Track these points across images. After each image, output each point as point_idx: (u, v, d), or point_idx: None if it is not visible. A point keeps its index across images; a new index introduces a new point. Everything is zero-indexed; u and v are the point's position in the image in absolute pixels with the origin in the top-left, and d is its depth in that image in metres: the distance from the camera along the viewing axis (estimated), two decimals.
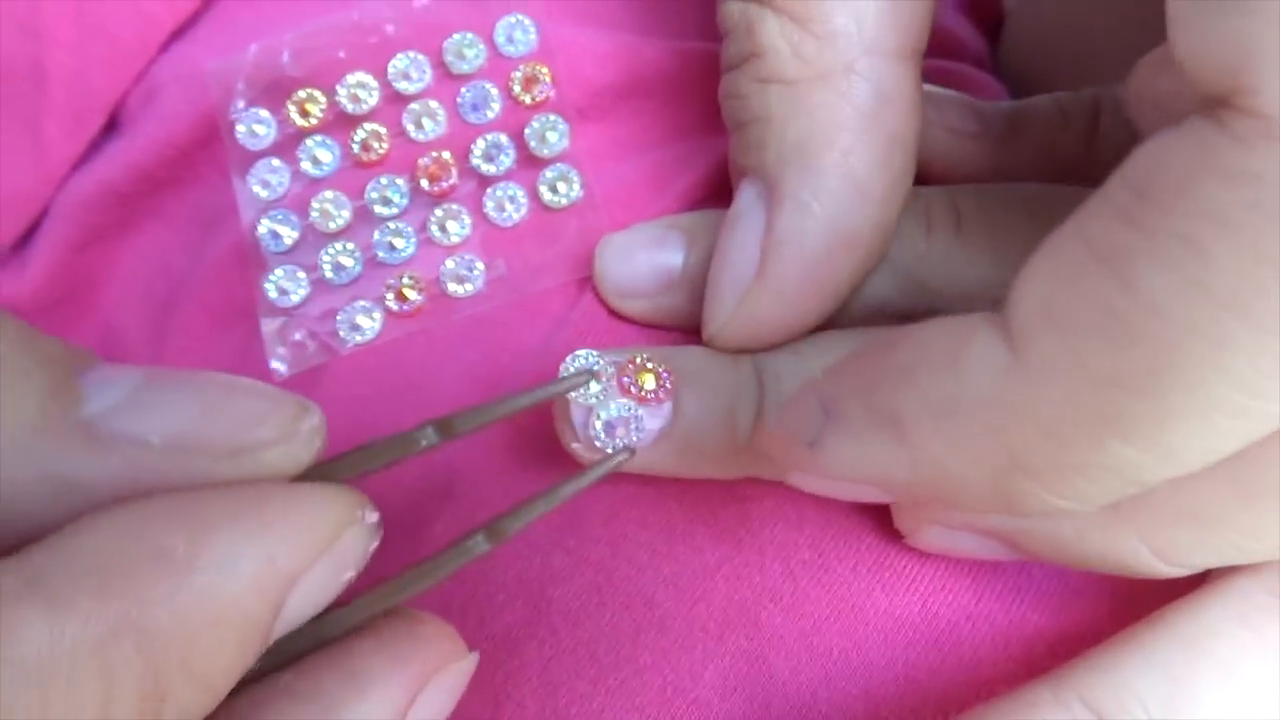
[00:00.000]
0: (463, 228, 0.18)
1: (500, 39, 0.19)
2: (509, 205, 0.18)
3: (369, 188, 0.19)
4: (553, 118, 0.18)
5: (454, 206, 0.18)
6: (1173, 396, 0.11)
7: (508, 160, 0.18)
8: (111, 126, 0.22)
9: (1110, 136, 0.18)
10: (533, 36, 0.19)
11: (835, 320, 0.17)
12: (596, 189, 0.18)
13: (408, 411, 0.17)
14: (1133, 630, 0.14)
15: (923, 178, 0.18)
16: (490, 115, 0.19)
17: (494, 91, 0.19)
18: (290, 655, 0.13)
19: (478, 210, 0.18)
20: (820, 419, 0.14)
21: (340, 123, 0.19)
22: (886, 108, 0.15)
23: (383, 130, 0.19)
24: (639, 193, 0.19)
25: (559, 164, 0.18)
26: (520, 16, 0.19)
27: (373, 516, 0.13)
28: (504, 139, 0.18)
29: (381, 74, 0.19)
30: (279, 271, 0.19)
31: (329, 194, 0.19)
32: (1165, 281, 0.11)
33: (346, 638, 0.13)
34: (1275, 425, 0.11)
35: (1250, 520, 0.13)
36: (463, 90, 0.19)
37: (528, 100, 0.19)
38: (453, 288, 0.18)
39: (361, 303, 0.18)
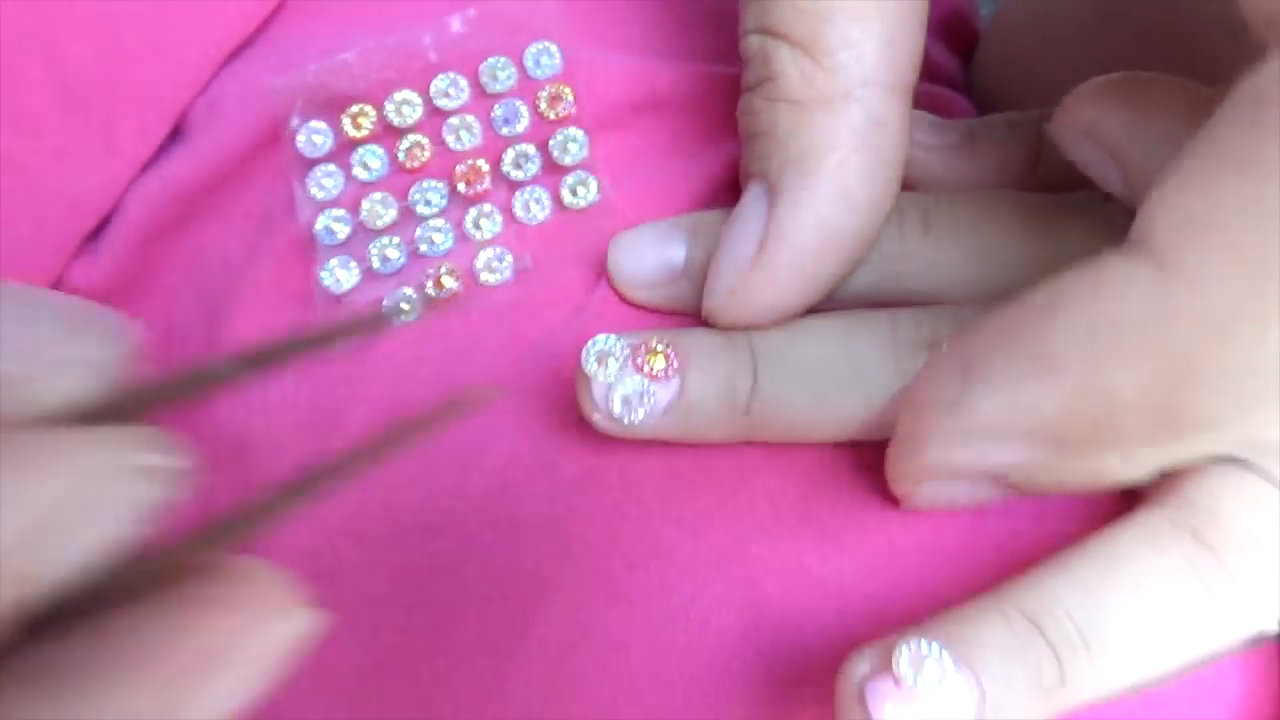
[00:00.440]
0: (494, 225, 0.21)
1: (529, 63, 0.22)
2: (534, 206, 0.21)
3: (412, 190, 0.22)
4: (574, 130, 0.21)
5: (486, 207, 0.21)
6: None
7: (534, 168, 0.21)
8: (176, 134, 0.25)
9: (1051, 154, 0.21)
10: (558, 60, 0.22)
11: (821, 308, 0.19)
12: (612, 192, 0.21)
13: (444, 381, 0.20)
14: (1061, 554, 0.17)
15: None
16: (519, 129, 0.22)
17: (523, 108, 0.22)
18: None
19: (507, 211, 0.21)
20: (959, 380, 0.15)
21: (388, 134, 0.22)
22: (877, 131, 0.18)
23: (425, 141, 0.22)
24: (652, 194, 0.22)
25: (579, 171, 0.21)
26: (547, 43, 0.22)
27: (157, 457, 0.11)
28: (531, 149, 0.21)
29: (425, 92, 0.22)
30: (333, 262, 0.22)
31: (377, 195, 0.22)
32: None
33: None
34: None
35: None
36: (495, 107, 0.22)
37: (552, 116, 0.21)
38: (485, 277, 0.21)
39: (405, 290, 0.21)
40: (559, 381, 0.19)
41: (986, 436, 0.15)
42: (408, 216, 0.22)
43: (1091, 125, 0.18)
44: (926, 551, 0.19)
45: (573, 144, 0.21)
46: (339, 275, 0.22)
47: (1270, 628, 0.17)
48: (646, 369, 0.18)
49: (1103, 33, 0.27)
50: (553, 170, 0.21)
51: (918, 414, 0.16)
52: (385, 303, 0.21)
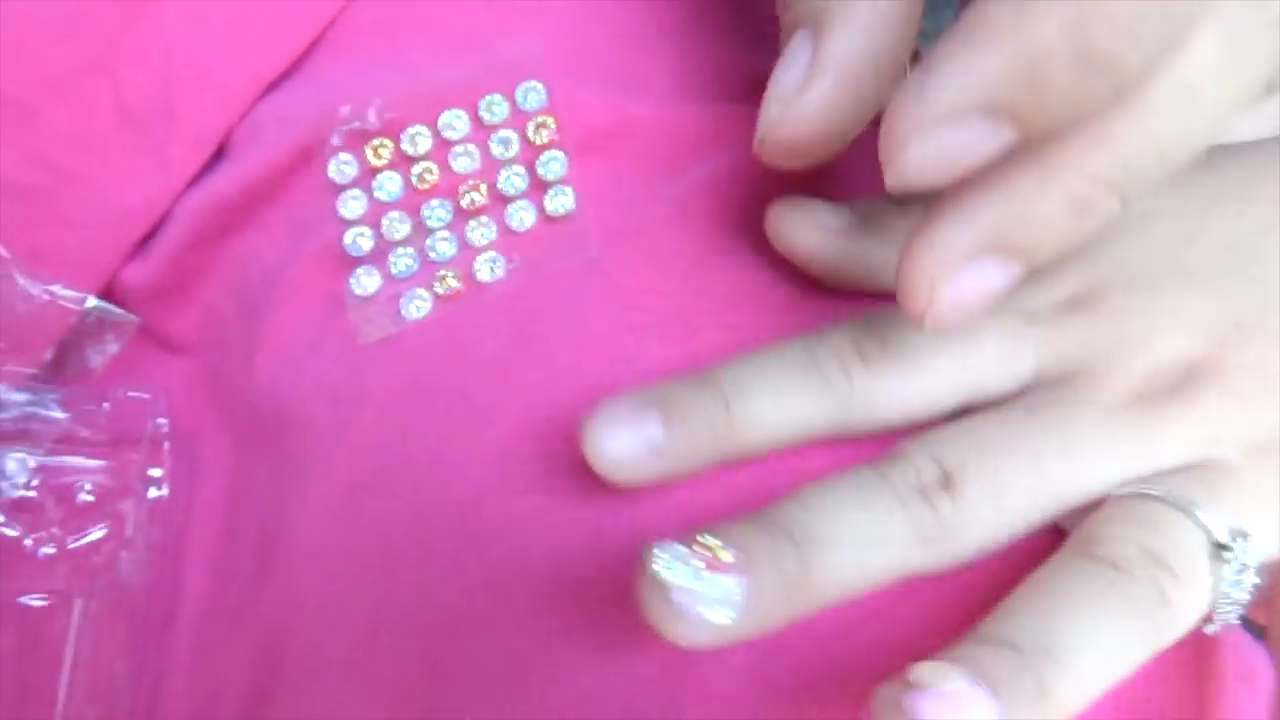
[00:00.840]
0: (490, 234, 0.25)
1: (519, 99, 0.26)
2: (524, 216, 0.25)
3: (423, 208, 0.26)
4: (556, 152, 0.25)
5: (484, 219, 0.25)
6: None
7: (523, 185, 0.25)
8: (220, 154, 0.29)
9: None
10: (543, 96, 0.26)
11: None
12: (587, 204, 0.25)
13: (453, 366, 0.24)
14: (1017, 592, 0.20)
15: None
16: (511, 154, 0.26)
17: (514, 137, 0.26)
18: None
19: (501, 221, 0.25)
20: (922, 74, 0.17)
21: (403, 161, 0.27)
22: None
23: (434, 166, 0.26)
24: (624, 207, 0.26)
25: (560, 185, 0.25)
26: (535, 82, 0.26)
27: None
28: (520, 170, 0.25)
29: (433, 125, 0.26)
30: (360, 270, 0.26)
31: (395, 213, 0.26)
32: None
33: None
34: None
35: None
36: (492, 136, 0.26)
37: (538, 142, 0.26)
38: (482, 276, 0.25)
39: (419, 290, 0.25)
40: (552, 370, 0.23)
41: (950, 118, 0.17)
42: (420, 230, 0.26)
43: None
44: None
45: (555, 164, 0.25)
46: (364, 281, 0.26)
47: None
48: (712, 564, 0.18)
49: None
50: (538, 186, 0.25)
51: (893, 114, 0.17)
52: (401, 301, 0.26)
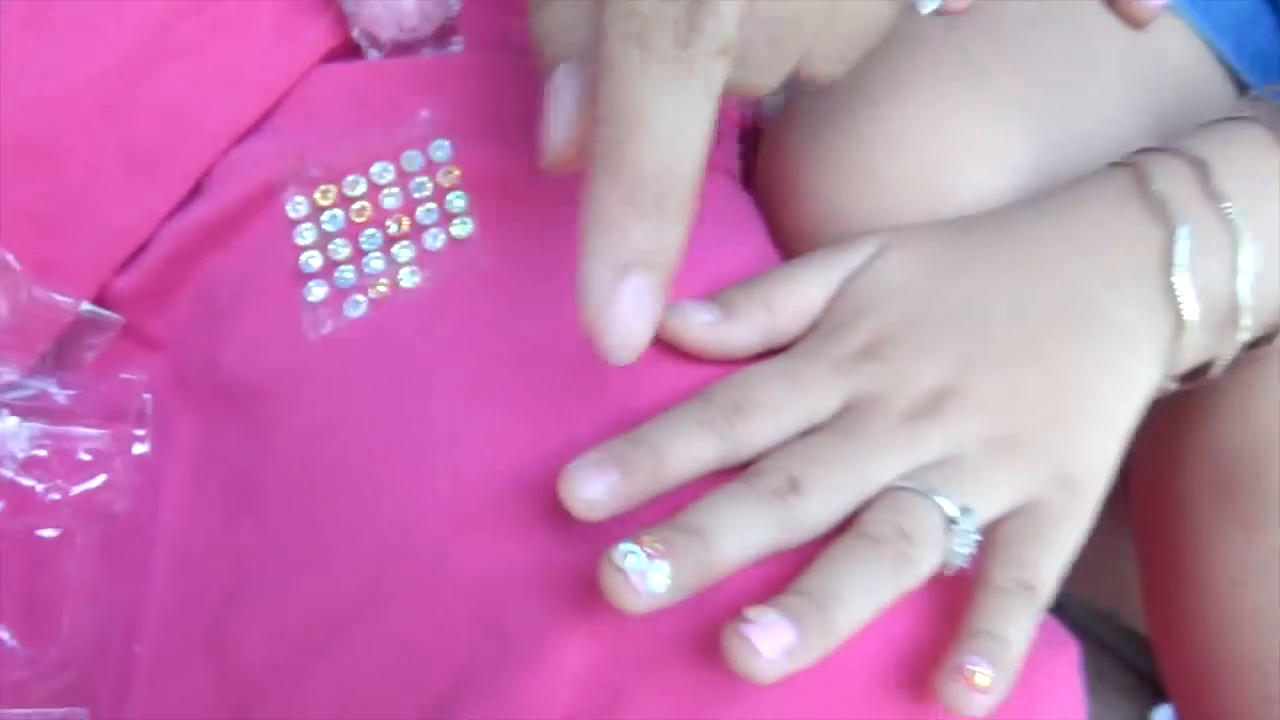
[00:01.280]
0: (410, 253, 0.34)
1: (431, 153, 0.35)
2: (436, 239, 0.34)
3: (360, 236, 0.35)
4: (460, 192, 0.34)
5: (405, 242, 0.34)
6: None
7: (435, 216, 0.34)
8: (197, 190, 0.37)
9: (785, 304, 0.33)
10: (449, 151, 0.35)
11: None
12: (482, 230, 0.34)
13: (381, 348, 0.33)
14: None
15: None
16: (426, 194, 0.35)
17: (428, 181, 0.35)
18: None
19: (419, 243, 0.34)
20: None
21: (343, 201, 0.35)
22: None
23: (367, 205, 0.35)
24: (519, 226, 0.34)
25: (463, 216, 0.34)
26: (444, 140, 0.35)
27: None
28: (433, 205, 0.34)
29: (366, 173, 0.35)
30: (311, 283, 0.34)
31: (338, 240, 0.35)
32: None
33: None
34: None
35: None
36: (411, 181, 0.35)
37: (446, 185, 0.35)
38: (405, 284, 0.34)
39: (357, 295, 0.34)
40: (454, 348, 0.32)
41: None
42: (357, 252, 0.35)
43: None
44: None
45: (459, 200, 0.34)
46: (315, 291, 0.34)
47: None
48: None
49: None
50: (446, 217, 0.35)
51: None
52: (344, 304, 0.34)
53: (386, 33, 0.38)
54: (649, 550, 0.26)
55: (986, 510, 0.30)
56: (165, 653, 0.32)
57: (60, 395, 0.35)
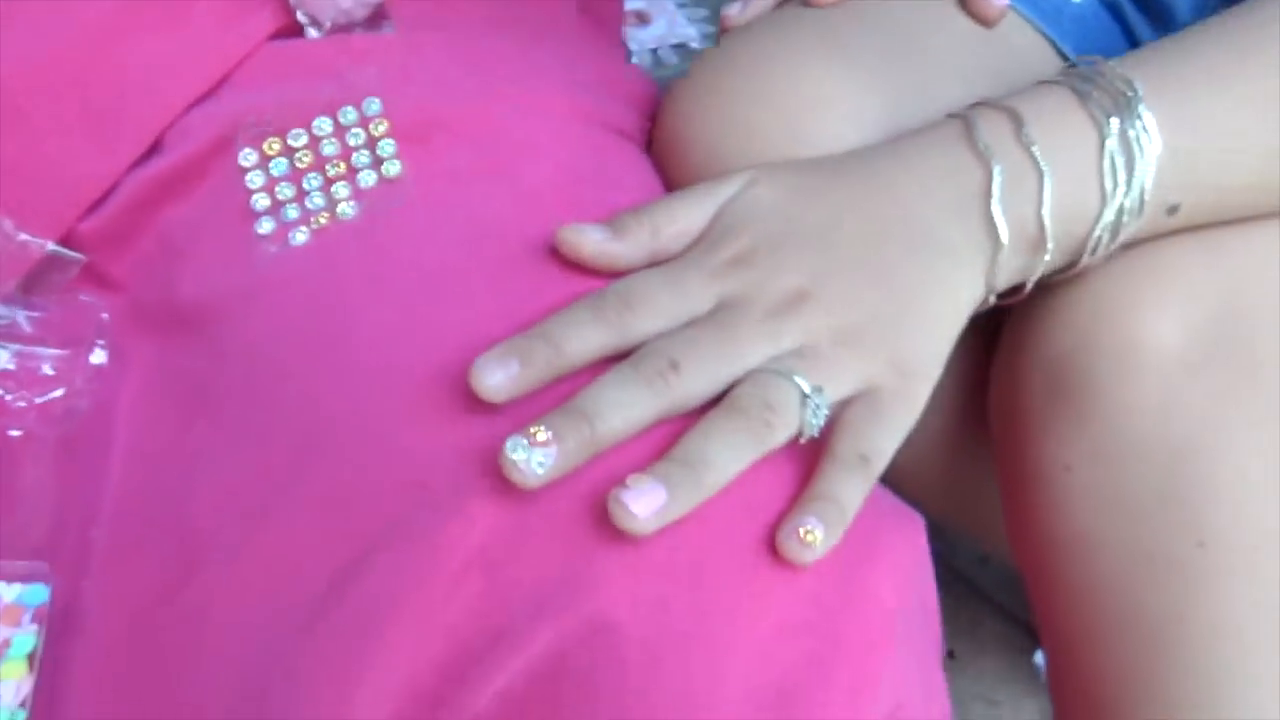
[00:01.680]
0: (346, 190, 0.39)
1: (364, 108, 0.40)
2: (368, 178, 0.39)
3: (303, 179, 0.39)
4: (389, 140, 0.40)
5: (342, 183, 0.39)
6: None
7: (368, 160, 0.39)
8: (156, 148, 0.42)
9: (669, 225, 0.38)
10: (379, 106, 0.40)
11: None
12: (409, 171, 0.39)
13: (320, 268, 0.37)
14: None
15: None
16: (359, 142, 0.40)
17: (361, 131, 0.40)
18: None
19: (353, 183, 0.39)
20: None
21: (287, 151, 0.40)
22: None
23: (308, 153, 0.40)
24: (439, 168, 0.39)
25: (392, 159, 0.39)
26: (374, 97, 0.40)
27: None
28: (366, 151, 0.40)
29: (308, 127, 0.40)
30: (262, 219, 0.39)
31: (284, 184, 0.39)
32: None
33: None
34: None
35: None
36: (347, 132, 0.40)
37: (376, 134, 0.40)
38: (342, 215, 0.39)
39: (301, 227, 0.39)
40: (378, 266, 0.37)
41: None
42: (300, 193, 0.39)
43: None
44: None
45: (388, 146, 0.40)
46: (265, 225, 0.39)
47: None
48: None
49: None
50: (377, 161, 0.40)
51: None
52: (289, 234, 0.39)
53: (325, 15, 0.43)
54: (533, 440, 0.31)
55: (835, 390, 0.35)
56: (121, 535, 0.36)
57: (26, 320, 0.39)
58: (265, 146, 0.40)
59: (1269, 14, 0.40)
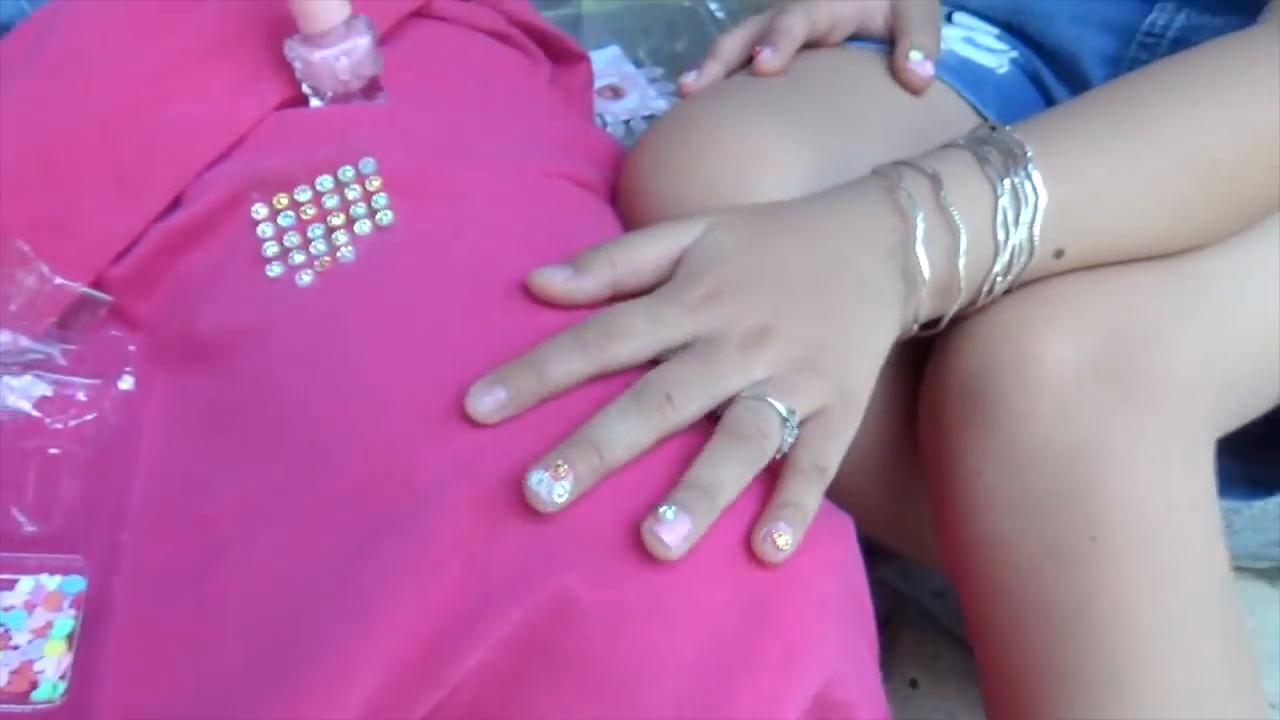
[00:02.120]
0: (346, 238, 0.45)
1: (360, 167, 0.46)
2: (364, 226, 0.45)
3: (308, 229, 0.45)
4: (383, 194, 0.45)
5: (342, 231, 0.45)
6: None
7: (364, 211, 0.45)
8: (178, 202, 0.48)
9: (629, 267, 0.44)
10: (375, 165, 0.46)
11: None
12: (400, 220, 0.45)
13: (322, 304, 0.43)
14: None
15: None
16: (356, 196, 0.46)
17: (358, 186, 0.46)
18: None
19: (351, 230, 0.45)
20: None
21: (294, 205, 0.46)
22: None
23: (312, 207, 0.46)
24: (429, 220, 0.45)
25: (385, 210, 0.45)
26: (370, 156, 0.46)
27: None
28: (363, 204, 0.45)
29: (311, 184, 0.46)
30: (272, 263, 0.45)
31: (291, 232, 0.45)
32: None
33: None
34: None
35: None
36: (346, 188, 0.46)
37: (371, 189, 0.46)
38: (342, 258, 0.44)
39: (306, 270, 0.44)
40: (374, 299, 0.43)
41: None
42: (305, 240, 0.45)
43: None
44: None
45: (381, 199, 0.45)
46: (274, 269, 0.45)
47: None
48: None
49: None
50: (372, 212, 0.45)
51: None
52: (295, 276, 0.44)
53: (327, 86, 0.49)
54: (555, 475, 0.36)
55: (801, 411, 0.40)
56: (145, 536, 0.40)
57: (61, 354, 0.45)
58: (274, 201, 0.46)
59: (1144, 88, 0.47)
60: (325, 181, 0.46)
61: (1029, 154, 0.43)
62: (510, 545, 0.36)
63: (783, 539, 0.37)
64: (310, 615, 0.36)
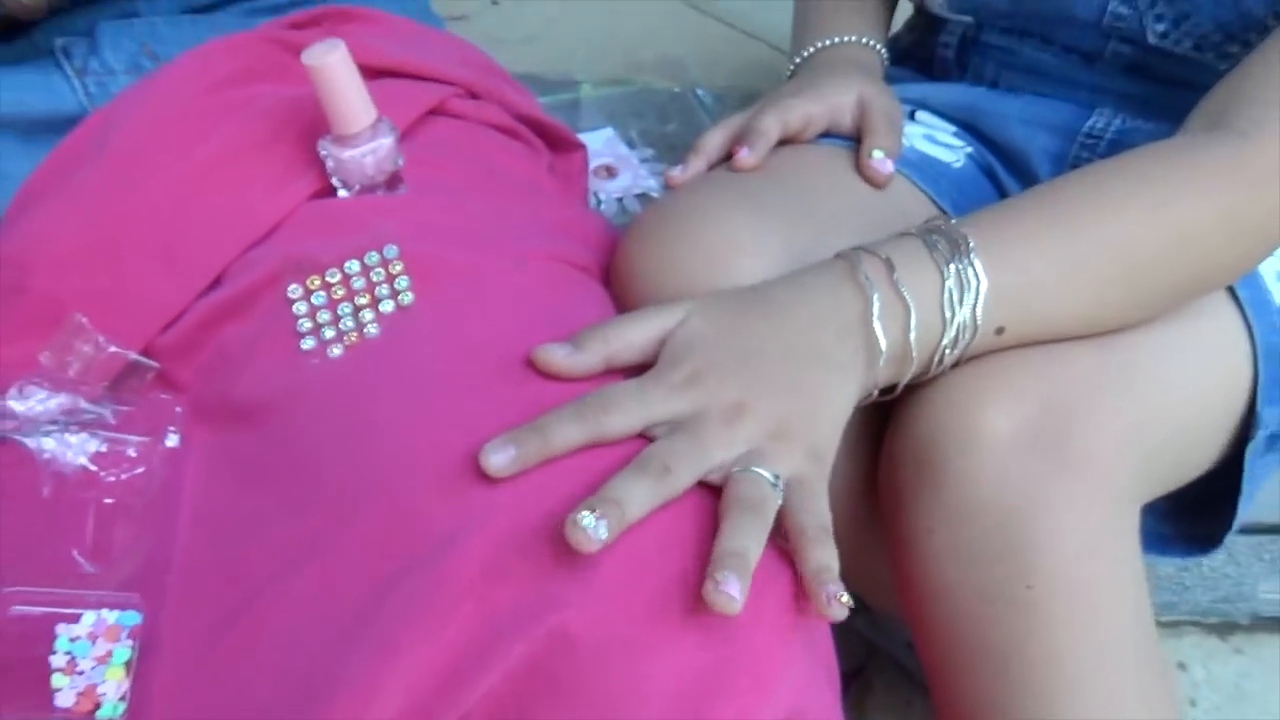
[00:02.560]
0: (372, 315, 0.51)
1: (385, 253, 0.52)
2: (388, 305, 0.51)
3: (338, 307, 0.51)
4: (404, 276, 0.51)
5: (368, 309, 0.51)
6: None
7: (387, 291, 0.51)
8: (219, 281, 0.53)
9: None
10: (397, 251, 0.52)
11: None
12: (420, 300, 0.51)
13: (352, 376, 0.48)
14: None
15: None
16: (380, 278, 0.52)
17: (383, 270, 0.52)
18: None
19: (376, 309, 0.51)
20: None
21: (325, 286, 0.52)
22: None
23: (341, 288, 0.52)
24: (447, 304, 0.51)
25: (406, 291, 0.51)
26: (393, 244, 0.52)
27: None
28: (386, 285, 0.51)
29: (340, 266, 0.52)
30: (306, 337, 0.50)
31: (323, 310, 0.51)
32: None
33: None
34: None
35: None
36: (371, 271, 0.52)
37: (394, 272, 0.52)
38: (369, 334, 0.50)
39: (336, 344, 0.50)
40: (398, 373, 0.48)
41: None
42: (335, 317, 0.51)
43: None
44: None
45: (404, 281, 0.51)
46: (308, 342, 0.50)
47: None
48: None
49: None
50: (395, 292, 0.51)
51: None
52: (327, 349, 0.50)
53: (354, 180, 0.56)
54: (597, 516, 0.41)
55: (783, 475, 0.46)
56: (188, 578, 0.46)
57: (113, 414, 0.50)
58: (308, 282, 0.52)
59: (1076, 189, 0.53)
60: (353, 265, 0.52)
61: (971, 244, 0.50)
62: (515, 588, 0.42)
63: (844, 596, 0.43)
64: (338, 647, 0.41)
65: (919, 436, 0.51)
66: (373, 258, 0.52)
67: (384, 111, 0.56)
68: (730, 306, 0.51)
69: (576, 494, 0.43)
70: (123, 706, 0.40)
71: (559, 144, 0.73)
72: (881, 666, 0.87)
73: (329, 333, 0.51)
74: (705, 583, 0.41)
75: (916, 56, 0.82)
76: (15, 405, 0.49)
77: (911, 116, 0.75)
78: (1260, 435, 0.60)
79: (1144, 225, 0.52)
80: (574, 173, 0.74)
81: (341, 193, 0.56)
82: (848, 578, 0.64)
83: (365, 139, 0.54)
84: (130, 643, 0.41)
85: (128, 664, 0.41)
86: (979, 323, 0.50)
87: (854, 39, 0.75)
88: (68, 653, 0.40)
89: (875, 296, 0.49)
